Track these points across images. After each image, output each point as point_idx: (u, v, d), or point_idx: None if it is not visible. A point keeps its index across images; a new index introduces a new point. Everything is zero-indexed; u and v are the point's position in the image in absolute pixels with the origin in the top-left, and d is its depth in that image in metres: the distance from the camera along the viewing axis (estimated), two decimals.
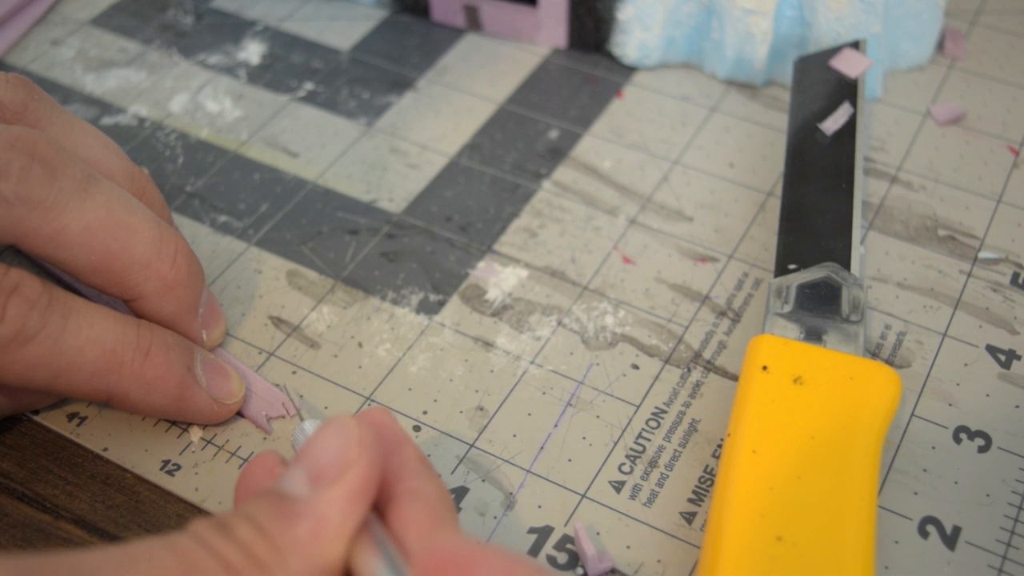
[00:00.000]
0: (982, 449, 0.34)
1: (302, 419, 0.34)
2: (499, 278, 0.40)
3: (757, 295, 0.39)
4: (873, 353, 0.37)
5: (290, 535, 0.25)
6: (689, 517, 0.33)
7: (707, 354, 0.37)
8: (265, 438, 0.35)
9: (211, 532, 0.25)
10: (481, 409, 0.36)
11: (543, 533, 0.33)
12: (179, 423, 0.35)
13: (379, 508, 0.28)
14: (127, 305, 0.34)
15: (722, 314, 0.39)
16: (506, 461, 0.35)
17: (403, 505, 0.27)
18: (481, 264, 0.40)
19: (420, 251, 0.41)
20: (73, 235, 0.31)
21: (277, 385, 0.36)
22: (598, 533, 0.33)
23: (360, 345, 0.38)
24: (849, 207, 0.38)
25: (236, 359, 0.37)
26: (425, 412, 0.36)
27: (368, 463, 0.26)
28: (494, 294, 0.39)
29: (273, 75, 0.48)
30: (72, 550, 0.24)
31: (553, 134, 0.45)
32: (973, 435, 0.35)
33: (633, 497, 0.34)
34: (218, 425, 0.35)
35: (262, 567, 0.25)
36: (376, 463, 0.27)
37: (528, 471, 0.34)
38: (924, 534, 0.32)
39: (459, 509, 0.33)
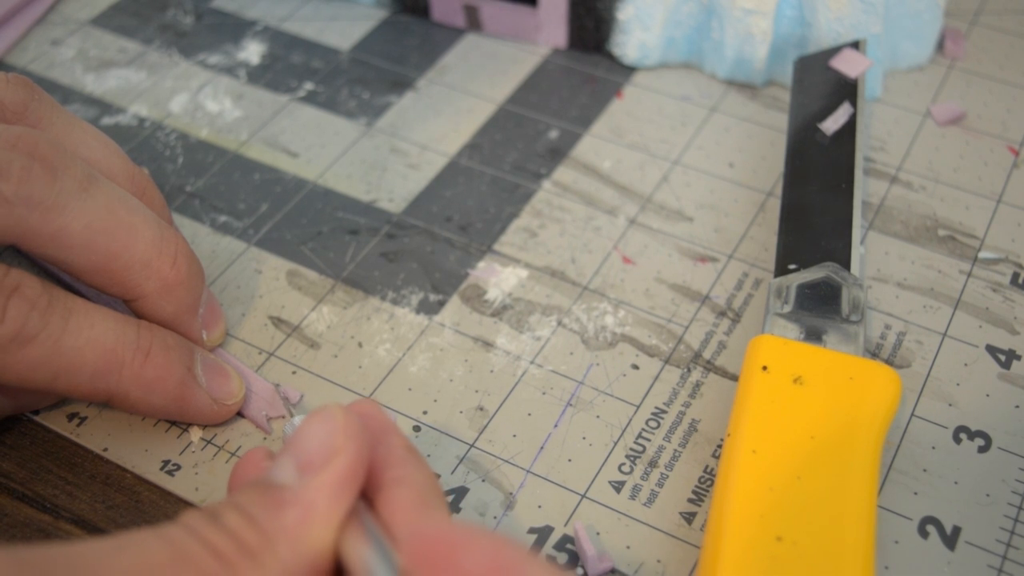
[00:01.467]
0: (982, 449, 0.34)
1: (292, 415, 0.35)
2: (499, 278, 0.40)
3: (757, 295, 0.39)
4: (873, 353, 0.37)
5: (278, 522, 0.25)
6: (689, 517, 0.33)
7: (707, 354, 0.37)
8: (265, 438, 0.35)
9: (201, 522, 0.25)
10: (481, 409, 0.36)
11: (543, 533, 0.33)
12: (179, 423, 0.35)
13: (367, 496, 0.28)
14: (127, 305, 0.34)
15: (722, 314, 0.39)
16: (506, 461, 0.35)
17: (391, 492, 0.27)
18: (481, 264, 0.40)
19: (420, 251, 0.41)
20: (74, 235, 0.31)
21: (277, 385, 0.36)
22: (598, 533, 0.33)
23: (360, 345, 0.38)
24: (849, 207, 0.38)
25: (236, 359, 0.37)
26: (425, 412, 0.36)
27: (355, 450, 0.27)
28: (494, 294, 0.39)
29: (273, 75, 0.48)
30: (64, 541, 0.24)
31: (553, 134, 0.45)
32: (973, 435, 0.35)
33: (633, 497, 0.34)
34: (218, 425, 0.35)
35: (251, 554, 0.25)
36: (362, 450, 0.27)
37: (528, 471, 0.34)
38: (924, 534, 0.32)
39: (459, 510, 0.33)
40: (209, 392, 0.34)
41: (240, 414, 0.36)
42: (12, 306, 0.30)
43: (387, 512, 0.27)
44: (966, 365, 0.37)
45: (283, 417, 0.36)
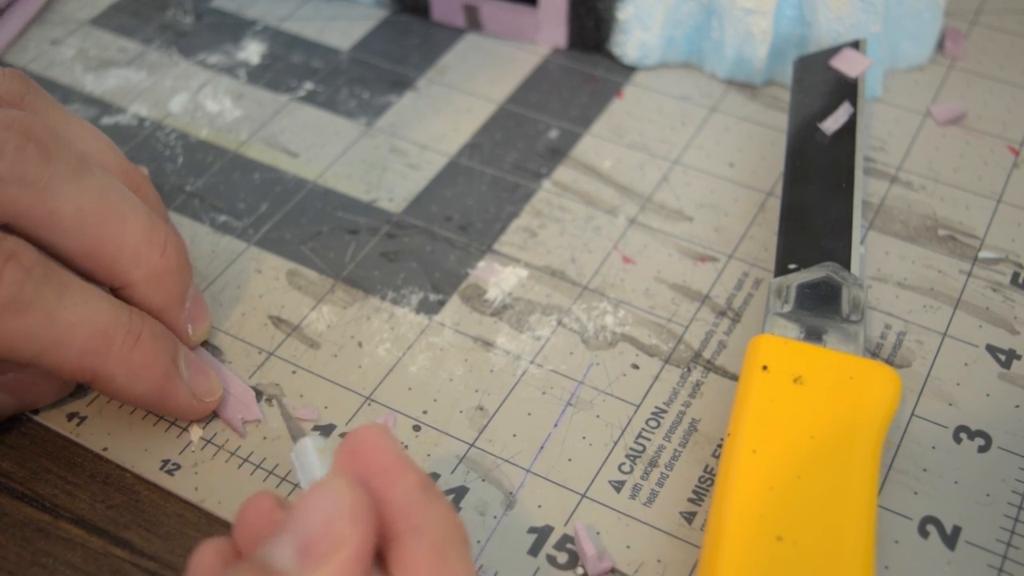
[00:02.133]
0: (982, 449, 0.34)
1: (294, 436, 0.34)
2: (499, 278, 0.40)
3: (757, 295, 0.39)
4: (873, 353, 0.37)
5: None
6: (689, 517, 0.33)
7: (707, 354, 0.37)
8: (265, 437, 0.35)
9: None
10: (481, 409, 0.36)
11: (543, 533, 0.33)
12: (179, 423, 0.35)
13: (380, 548, 0.26)
14: (116, 294, 0.34)
15: (722, 314, 0.39)
16: (506, 461, 0.35)
17: (407, 544, 0.25)
18: (481, 264, 0.40)
19: (420, 251, 0.41)
20: (66, 217, 0.31)
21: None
22: (598, 533, 0.33)
23: (360, 345, 0.38)
24: (849, 207, 0.38)
25: (215, 359, 0.37)
26: (425, 412, 0.36)
27: (360, 539, 0.24)
28: (494, 294, 0.39)
29: (273, 75, 0.48)
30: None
31: (553, 134, 0.45)
32: (973, 435, 0.35)
33: (633, 497, 0.34)
34: (219, 425, 0.35)
35: None
36: (370, 536, 0.25)
37: (528, 471, 0.34)
38: (924, 534, 0.32)
39: (459, 509, 0.33)
40: (190, 387, 0.34)
41: (216, 415, 0.35)
42: (8, 272, 0.29)
43: (403, 569, 0.25)
44: (966, 365, 0.37)
45: (259, 421, 0.35)
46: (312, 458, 0.28)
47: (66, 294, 0.31)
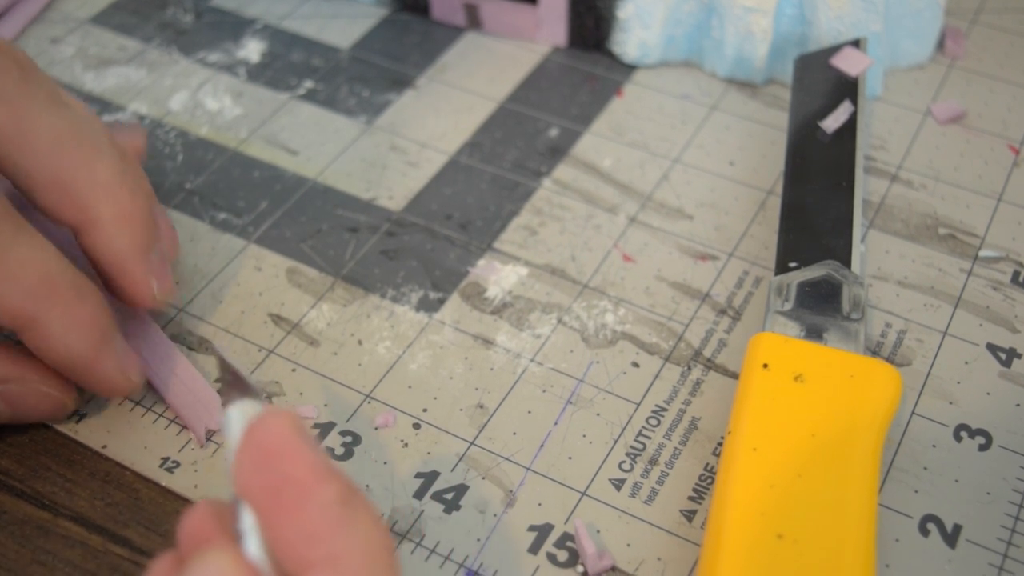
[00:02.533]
0: (983, 447, 0.34)
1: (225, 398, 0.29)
2: (499, 276, 0.40)
3: (758, 293, 0.39)
4: (874, 351, 0.37)
5: None
6: (689, 515, 0.33)
7: (707, 352, 0.37)
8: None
9: None
10: (481, 407, 0.36)
11: (543, 531, 0.33)
12: (179, 420, 0.35)
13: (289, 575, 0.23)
14: (79, 237, 0.33)
15: (722, 312, 0.39)
16: (506, 459, 0.34)
17: None
18: (481, 262, 0.40)
19: (420, 249, 0.41)
20: (41, 141, 0.31)
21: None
22: (598, 531, 0.33)
23: (360, 343, 0.38)
24: (849, 205, 0.38)
25: (179, 352, 0.36)
26: (425, 410, 0.36)
27: None
28: (494, 292, 0.39)
29: (273, 73, 0.48)
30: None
31: (553, 132, 0.45)
32: (974, 433, 0.35)
33: (633, 495, 0.34)
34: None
35: None
36: None
37: (528, 469, 0.34)
38: (925, 532, 0.32)
39: (459, 507, 0.33)
40: (120, 361, 0.33)
41: (178, 420, 0.35)
42: None
43: None
44: (967, 363, 0.37)
45: (218, 430, 0.35)
46: (236, 431, 0.25)
47: (22, 234, 0.31)
